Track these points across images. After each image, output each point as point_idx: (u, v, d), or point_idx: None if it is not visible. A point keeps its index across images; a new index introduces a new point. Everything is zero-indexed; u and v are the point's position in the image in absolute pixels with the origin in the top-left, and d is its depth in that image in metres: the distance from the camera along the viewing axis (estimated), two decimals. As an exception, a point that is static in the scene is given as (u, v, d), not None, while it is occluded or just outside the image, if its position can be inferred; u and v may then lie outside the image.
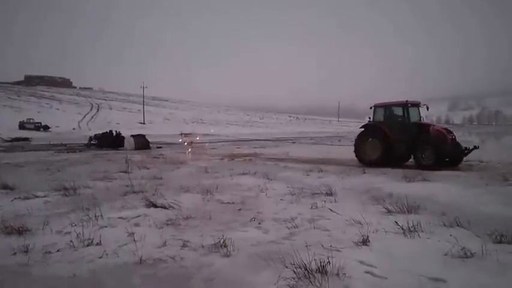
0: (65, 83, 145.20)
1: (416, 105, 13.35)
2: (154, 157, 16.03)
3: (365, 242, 4.03)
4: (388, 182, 8.62)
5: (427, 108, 13.65)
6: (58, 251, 3.94)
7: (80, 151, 20.18)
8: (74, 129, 56.19)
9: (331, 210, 5.59)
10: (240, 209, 5.93)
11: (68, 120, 63.49)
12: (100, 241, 4.14)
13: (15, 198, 6.50)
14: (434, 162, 11.67)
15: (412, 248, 3.91)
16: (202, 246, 4.06)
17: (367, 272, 3.31)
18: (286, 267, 3.31)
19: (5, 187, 7.47)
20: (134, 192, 7.11)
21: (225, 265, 3.56)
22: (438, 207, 5.67)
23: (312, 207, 5.87)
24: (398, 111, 13.23)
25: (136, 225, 4.92)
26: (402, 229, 4.39)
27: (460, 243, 3.74)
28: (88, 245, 4.06)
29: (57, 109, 77.75)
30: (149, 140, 23.96)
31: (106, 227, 4.79)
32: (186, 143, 24.22)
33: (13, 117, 53.99)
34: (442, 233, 4.35)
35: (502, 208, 5.72)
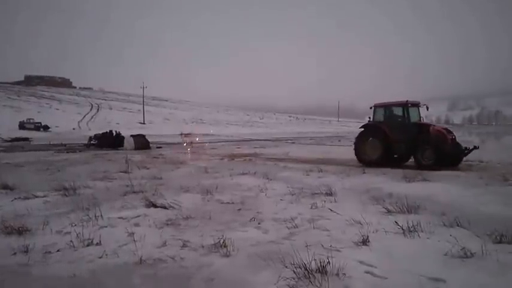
0: (65, 83, 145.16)
1: (416, 105, 13.35)
2: (154, 157, 16.03)
3: (365, 242, 4.03)
4: (388, 182, 8.62)
5: (427, 109, 13.66)
6: (58, 251, 3.94)
7: (79, 151, 20.18)
8: (73, 129, 56.19)
9: (331, 210, 5.59)
10: (239, 209, 5.93)
11: (67, 120, 63.48)
12: (100, 241, 4.14)
13: (15, 198, 6.50)
14: (434, 162, 11.67)
15: (412, 248, 3.91)
16: (202, 246, 4.06)
17: (367, 272, 3.31)
18: (286, 267, 3.31)
19: (5, 187, 7.47)
20: (134, 192, 7.11)
21: (224, 265, 3.56)
22: (438, 207, 5.68)
23: (311, 207, 5.87)
24: (398, 111, 13.23)
25: (136, 225, 4.92)
26: (402, 229, 4.39)
27: (460, 243, 3.74)
28: (88, 245, 4.06)
29: (57, 109, 77.74)
30: (149, 140, 23.96)
31: (106, 227, 4.79)
32: (185, 144, 24.19)
33: (13, 117, 53.99)
34: (442, 233, 4.35)
35: (502, 208, 5.72)
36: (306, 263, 3.23)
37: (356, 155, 13.49)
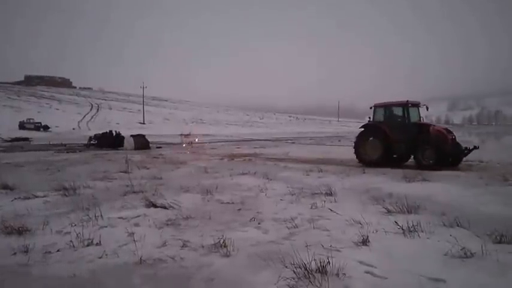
0: (65, 83, 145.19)
1: (416, 105, 13.35)
2: (154, 157, 16.03)
3: (365, 242, 4.03)
4: (388, 182, 8.63)
5: (427, 109, 13.67)
6: (58, 251, 3.94)
7: (79, 151, 20.18)
8: (73, 129, 56.17)
9: (331, 210, 5.59)
10: (239, 209, 5.93)
11: (67, 120, 63.47)
12: (100, 241, 4.14)
13: (15, 198, 6.50)
14: (435, 162, 11.67)
15: (412, 248, 3.91)
16: (202, 246, 4.06)
17: (367, 272, 3.32)
18: (286, 267, 3.31)
19: (5, 187, 7.47)
20: (134, 192, 7.11)
21: (224, 265, 3.56)
22: (438, 207, 5.68)
23: (311, 207, 5.87)
24: (398, 111, 13.24)
25: (136, 225, 4.92)
26: (402, 229, 4.39)
27: (460, 243, 3.74)
28: (88, 245, 4.06)
29: (57, 109, 77.73)
30: (149, 140, 23.96)
31: (106, 227, 4.79)
32: (184, 145, 24.18)
33: (13, 117, 53.97)
34: (442, 233, 4.35)
35: (502, 208, 5.72)
36: (306, 263, 3.23)
37: (356, 155, 13.49)
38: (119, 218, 5.22)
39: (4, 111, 62.06)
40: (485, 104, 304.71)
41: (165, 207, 5.78)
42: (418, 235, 4.28)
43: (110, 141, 23.14)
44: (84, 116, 73.70)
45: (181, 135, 29.60)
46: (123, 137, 23.36)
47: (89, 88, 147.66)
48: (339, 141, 33.25)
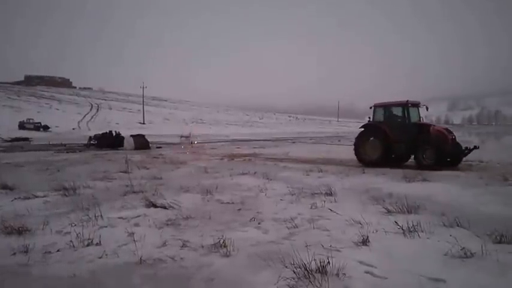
0: (65, 83, 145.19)
1: (416, 105, 13.36)
2: (154, 157, 16.03)
3: (365, 242, 4.03)
4: (387, 182, 8.63)
5: (427, 109, 13.69)
6: (58, 251, 3.94)
7: (79, 151, 20.18)
8: (73, 129, 56.15)
9: (331, 210, 5.59)
10: (239, 209, 5.93)
11: (67, 120, 63.45)
12: (100, 241, 4.14)
13: (15, 198, 6.50)
14: (435, 162, 11.68)
15: (412, 248, 3.91)
16: (202, 246, 4.06)
17: (367, 272, 3.31)
18: (286, 267, 3.31)
19: (5, 187, 7.47)
20: (134, 192, 7.11)
21: (224, 265, 3.56)
22: (438, 207, 5.68)
23: (311, 207, 5.87)
24: (398, 111, 13.24)
25: (136, 225, 4.92)
26: (402, 229, 4.39)
27: (459, 243, 3.74)
28: (88, 245, 4.05)
29: (57, 109, 77.71)
30: (149, 140, 23.96)
31: (106, 227, 4.79)
32: (183, 146, 24.18)
33: (13, 117, 53.95)
34: (441, 233, 4.35)
35: (502, 208, 5.72)
36: (306, 263, 3.23)
37: (356, 155, 13.49)
38: (119, 218, 5.22)
39: (4, 111, 62.03)
40: (485, 104, 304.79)
41: (165, 207, 5.78)
42: (418, 235, 4.28)
43: (109, 141, 23.15)
44: (84, 116, 73.69)
45: (181, 136, 29.59)
46: (123, 137, 23.37)
47: (89, 88, 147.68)
48: (339, 141, 33.25)
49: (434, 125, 13.34)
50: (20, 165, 12.59)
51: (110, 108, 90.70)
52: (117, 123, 59.95)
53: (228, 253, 3.82)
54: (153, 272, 3.44)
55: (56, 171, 10.71)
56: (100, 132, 25.31)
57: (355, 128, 23.44)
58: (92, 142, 23.86)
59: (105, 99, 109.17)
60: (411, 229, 4.36)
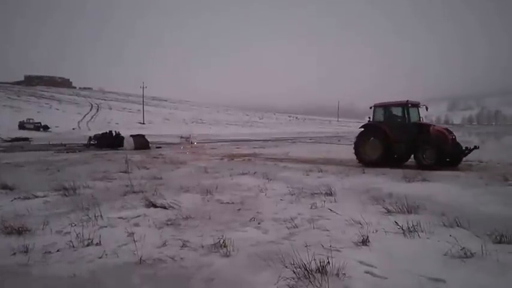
0: (65, 83, 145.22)
1: (416, 105, 13.37)
2: (154, 157, 16.03)
3: (365, 242, 4.03)
4: (387, 182, 8.63)
5: (427, 109, 13.69)
6: (58, 251, 3.94)
7: (79, 151, 20.18)
8: (73, 129, 56.16)
9: (331, 210, 5.59)
10: (239, 209, 5.93)
11: (67, 120, 63.46)
12: (100, 241, 4.13)
13: (15, 198, 6.49)
14: (435, 162, 11.69)
15: (412, 248, 3.91)
16: (202, 246, 4.06)
17: (367, 272, 3.31)
18: (286, 267, 3.31)
19: (5, 187, 7.47)
20: (134, 192, 7.11)
21: (224, 265, 3.56)
22: (438, 207, 5.68)
23: (311, 207, 5.87)
24: (398, 111, 13.24)
25: (136, 225, 4.92)
26: (402, 229, 4.39)
27: (459, 243, 3.74)
28: (88, 245, 4.05)
29: (57, 109, 77.72)
30: (149, 140, 23.96)
31: (106, 227, 4.79)
32: (182, 147, 24.19)
33: (13, 117, 53.95)
34: (441, 233, 4.35)
35: (502, 208, 5.72)
36: (305, 263, 3.23)
37: (356, 155, 13.49)
38: (119, 218, 5.22)
39: (4, 111, 62.04)
40: (485, 104, 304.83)
41: (165, 207, 5.78)
42: (418, 235, 4.28)
43: (109, 141, 23.16)
44: (84, 116, 73.69)
45: (180, 137, 29.62)
46: (122, 137, 23.38)
47: (88, 88, 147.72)
48: (339, 141, 33.27)
49: (434, 125, 13.35)
50: (20, 165, 12.58)
51: (110, 108, 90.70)
52: (117, 123, 59.97)
53: (228, 253, 3.82)
54: (153, 272, 3.44)
55: (56, 171, 10.70)
56: (100, 132, 25.33)
57: (355, 128, 23.45)
58: (91, 142, 23.88)
59: (105, 99, 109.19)
60: (411, 229, 4.36)
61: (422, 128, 12.75)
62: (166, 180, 8.87)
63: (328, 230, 4.63)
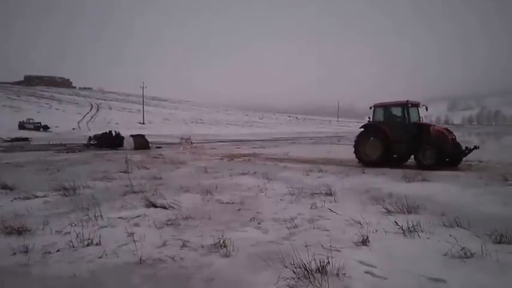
0: (65, 83, 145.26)
1: (416, 105, 13.37)
2: (154, 157, 16.02)
3: (365, 242, 4.03)
4: (387, 182, 8.63)
5: (426, 109, 13.70)
6: (58, 251, 3.94)
7: (79, 151, 20.17)
8: (73, 129, 56.14)
9: (331, 210, 5.59)
10: (239, 209, 5.93)
11: (67, 120, 63.44)
12: (100, 241, 4.13)
13: (15, 198, 6.49)
14: (435, 162, 11.70)
15: (412, 248, 3.91)
16: (202, 246, 4.06)
17: (367, 272, 3.31)
18: (286, 267, 3.31)
19: (5, 187, 7.47)
20: (134, 192, 7.11)
21: (224, 265, 3.56)
22: (438, 208, 5.68)
23: (311, 207, 5.87)
24: (398, 111, 13.25)
25: (136, 225, 4.92)
26: (402, 229, 4.39)
27: (459, 243, 3.74)
28: (88, 245, 4.05)
29: (57, 109, 77.69)
30: (149, 140, 23.96)
31: (106, 227, 4.79)
32: (183, 147, 24.18)
33: (13, 117, 53.92)
34: (441, 233, 4.35)
35: (502, 208, 5.73)
36: (305, 263, 3.23)
37: (356, 155, 13.49)
38: (119, 218, 5.22)
39: (4, 111, 62.00)
40: (485, 104, 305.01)
41: (165, 207, 5.78)
42: (418, 235, 4.28)
43: (109, 141, 23.16)
44: (84, 116, 73.67)
45: (181, 138, 29.63)
46: (122, 137, 23.38)
47: (88, 88, 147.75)
48: (339, 141, 33.27)
49: (434, 125, 13.35)
50: (20, 165, 12.58)
51: (110, 108, 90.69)
52: (117, 123, 59.96)
53: (228, 253, 3.82)
54: (153, 272, 3.44)
55: (56, 171, 10.70)
56: (100, 132, 25.32)
57: (355, 128, 23.46)
58: (91, 142, 23.87)
59: (105, 99, 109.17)
60: (411, 229, 4.36)
61: (422, 128, 12.75)
62: (166, 180, 8.87)
63: (328, 230, 4.63)
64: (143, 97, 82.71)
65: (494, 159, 13.59)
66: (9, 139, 32.27)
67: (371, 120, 13.82)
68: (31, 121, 51.64)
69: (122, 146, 22.38)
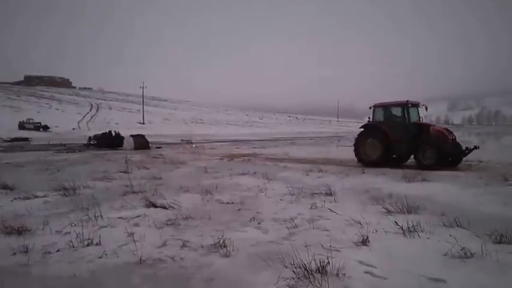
0: (65, 83, 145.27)
1: (416, 105, 13.37)
2: (154, 157, 16.02)
3: (365, 242, 4.03)
4: (387, 182, 8.63)
5: (426, 109, 13.70)
6: (58, 251, 3.94)
7: (79, 151, 20.17)
8: (73, 129, 56.14)
9: (331, 210, 5.59)
10: (239, 209, 5.93)
11: (67, 120, 63.43)
12: (100, 241, 4.13)
13: (15, 198, 6.49)
14: (435, 162, 11.70)
15: (412, 248, 3.91)
16: (202, 246, 4.06)
17: (366, 272, 3.31)
18: (286, 267, 3.31)
19: (5, 187, 7.47)
20: (134, 192, 7.11)
21: (224, 265, 3.56)
22: (438, 208, 5.68)
23: (311, 207, 5.87)
24: (398, 111, 13.25)
25: (136, 225, 4.92)
26: (402, 229, 4.39)
27: (459, 243, 3.74)
28: (88, 245, 4.05)
29: (57, 109, 77.68)
30: (149, 140, 23.96)
31: (106, 227, 4.79)
32: (183, 147, 24.21)
33: (13, 117, 53.92)
34: (441, 233, 4.35)
35: (502, 208, 5.72)
36: (305, 263, 3.23)
37: (356, 155, 13.50)
38: (119, 218, 5.22)
39: (4, 111, 61.99)
40: (485, 104, 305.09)
41: (164, 207, 5.78)
42: (418, 235, 4.28)
43: (109, 141, 23.17)
44: (84, 116, 73.66)
45: (181, 140, 29.67)
46: (122, 137, 23.39)
47: (88, 88, 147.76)
48: (339, 141, 33.29)
49: (434, 125, 13.35)
50: (20, 165, 12.58)
51: (110, 108, 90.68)
52: (116, 123, 59.95)
53: (228, 253, 3.82)
54: (153, 272, 3.44)
55: (56, 171, 10.70)
56: (100, 132, 25.33)
57: (355, 128, 23.47)
58: (91, 142, 23.89)
59: (105, 99, 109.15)
60: (411, 229, 4.36)
61: (422, 128, 12.76)
62: (166, 180, 8.87)
63: (328, 230, 4.63)
64: (143, 97, 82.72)
65: (494, 159, 13.59)
66: (9, 139, 32.30)
67: (371, 120, 13.82)
68: (31, 121, 51.65)
69: (122, 146, 22.39)
